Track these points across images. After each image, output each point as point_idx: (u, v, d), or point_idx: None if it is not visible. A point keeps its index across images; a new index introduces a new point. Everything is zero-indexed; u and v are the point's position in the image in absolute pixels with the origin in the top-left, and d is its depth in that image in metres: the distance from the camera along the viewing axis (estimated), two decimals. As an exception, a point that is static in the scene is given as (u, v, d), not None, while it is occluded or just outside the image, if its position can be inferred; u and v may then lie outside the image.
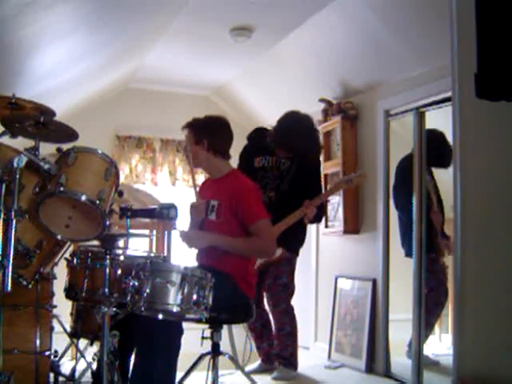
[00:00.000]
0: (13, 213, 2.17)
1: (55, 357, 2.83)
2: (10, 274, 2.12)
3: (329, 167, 4.62)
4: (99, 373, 2.39)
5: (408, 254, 3.94)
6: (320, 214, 3.87)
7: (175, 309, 2.38)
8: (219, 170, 3.05)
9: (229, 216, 2.90)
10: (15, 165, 2.20)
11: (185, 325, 2.64)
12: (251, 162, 3.82)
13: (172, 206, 2.76)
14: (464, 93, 2.66)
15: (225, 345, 3.01)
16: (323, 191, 3.99)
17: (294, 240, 3.78)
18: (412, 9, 3.42)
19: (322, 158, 4.63)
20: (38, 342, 2.63)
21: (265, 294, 3.87)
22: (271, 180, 3.79)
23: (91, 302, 2.60)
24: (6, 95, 2.63)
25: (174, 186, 5.88)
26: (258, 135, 3.94)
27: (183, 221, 3.11)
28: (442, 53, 3.13)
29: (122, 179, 4.11)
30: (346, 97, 4.56)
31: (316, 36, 4.27)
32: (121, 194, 2.64)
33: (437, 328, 4.37)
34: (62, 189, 2.33)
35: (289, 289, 3.80)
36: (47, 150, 2.57)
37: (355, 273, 4.40)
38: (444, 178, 4.04)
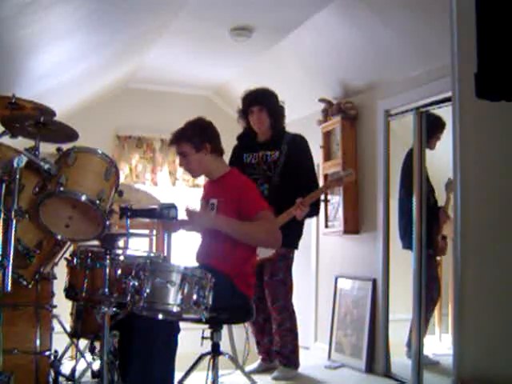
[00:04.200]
0: (13, 213, 2.17)
1: (55, 357, 2.83)
2: (9, 273, 2.12)
3: (329, 167, 4.62)
4: (99, 373, 2.39)
5: (407, 247, 3.94)
6: (316, 208, 3.85)
7: (175, 309, 2.38)
8: (219, 170, 3.04)
9: (229, 213, 2.89)
10: (15, 165, 2.20)
11: (185, 325, 2.64)
12: (240, 160, 3.84)
13: (172, 206, 2.76)
14: (464, 93, 2.66)
15: (225, 345, 3.01)
16: (318, 181, 3.98)
17: (289, 235, 3.75)
18: (412, 9, 3.42)
19: (321, 158, 4.67)
20: (38, 341, 2.63)
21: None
22: (260, 174, 3.78)
23: (91, 302, 2.60)
24: (5, 95, 2.63)
25: (174, 185, 5.89)
26: (245, 134, 3.95)
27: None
28: (442, 53, 3.13)
29: (122, 179, 4.10)
30: (346, 97, 4.56)
31: (316, 36, 4.27)
32: (121, 193, 2.64)
33: (437, 328, 4.38)
34: (61, 189, 2.33)
35: (286, 285, 3.79)
36: (47, 149, 2.57)
37: (355, 273, 4.40)
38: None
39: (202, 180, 5.68)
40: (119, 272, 2.50)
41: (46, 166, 2.32)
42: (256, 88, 3.86)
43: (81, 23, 3.34)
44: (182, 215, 2.83)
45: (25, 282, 2.46)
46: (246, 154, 3.87)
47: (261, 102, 3.79)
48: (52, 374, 2.79)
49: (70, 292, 2.69)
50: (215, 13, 4.02)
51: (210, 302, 2.46)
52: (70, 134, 2.55)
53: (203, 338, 2.78)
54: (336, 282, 4.58)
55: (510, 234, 2.48)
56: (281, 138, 3.82)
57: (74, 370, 3.24)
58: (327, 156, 4.68)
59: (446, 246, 4.11)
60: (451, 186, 4.05)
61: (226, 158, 3.31)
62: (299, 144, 3.85)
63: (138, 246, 3.57)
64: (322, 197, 4.02)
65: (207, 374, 2.79)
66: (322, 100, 4.65)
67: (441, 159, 4.09)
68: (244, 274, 2.92)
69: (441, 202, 4.20)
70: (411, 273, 3.77)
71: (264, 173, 3.78)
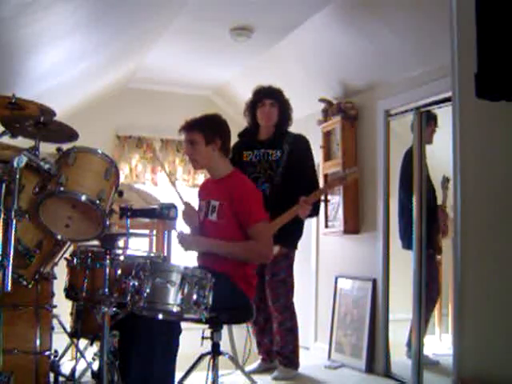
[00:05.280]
0: (13, 213, 2.17)
1: (55, 357, 2.82)
2: (9, 274, 2.11)
3: (329, 167, 4.62)
4: (99, 373, 2.39)
5: (407, 247, 3.94)
6: (316, 208, 3.85)
7: (175, 309, 2.38)
8: (223, 170, 3.03)
9: (230, 217, 2.90)
10: (15, 165, 2.20)
11: (185, 325, 2.64)
12: (240, 158, 3.82)
13: (172, 206, 2.76)
14: (464, 93, 2.66)
15: (225, 345, 3.01)
16: (319, 182, 3.99)
17: (290, 235, 3.76)
18: (412, 9, 3.42)
19: (321, 158, 4.67)
20: (38, 341, 2.63)
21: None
22: (261, 173, 3.77)
23: (91, 302, 2.60)
24: (6, 95, 2.62)
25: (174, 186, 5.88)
26: (247, 132, 3.96)
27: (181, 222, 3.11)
28: (442, 53, 3.13)
29: (122, 179, 4.10)
30: (346, 97, 4.56)
31: (316, 36, 4.27)
32: (121, 193, 2.63)
33: (437, 328, 4.38)
34: (62, 189, 2.33)
35: (287, 284, 3.80)
36: (47, 149, 2.57)
37: (355, 273, 4.40)
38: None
39: (201, 180, 5.69)
40: (119, 272, 2.51)
41: (46, 166, 2.32)
42: (270, 85, 3.87)
43: (81, 23, 3.34)
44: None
45: (25, 282, 2.46)
46: (246, 152, 3.85)
47: (275, 97, 3.81)
48: (52, 374, 2.79)
49: (70, 292, 2.69)
50: (215, 13, 4.02)
51: (210, 302, 2.46)
52: (69, 134, 2.55)
53: (203, 337, 2.78)
54: (336, 282, 4.58)
55: (510, 233, 2.48)
56: (283, 137, 3.82)
57: (74, 370, 3.24)
58: (327, 156, 4.68)
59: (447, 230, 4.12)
60: (447, 184, 4.07)
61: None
62: (301, 144, 3.86)
63: (138, 246, 3.56)
64: (322, 197, 4.02)
65: (207, 374, 2.79)
66: (322, 100, 4.65)
67: (438, 158, 4.09)
68: (245, 274, 2.92)
69: (440, 201, 4.20)
70: (411, 273, 3.77)
71: (265, 172, 3.78)
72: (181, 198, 3.10)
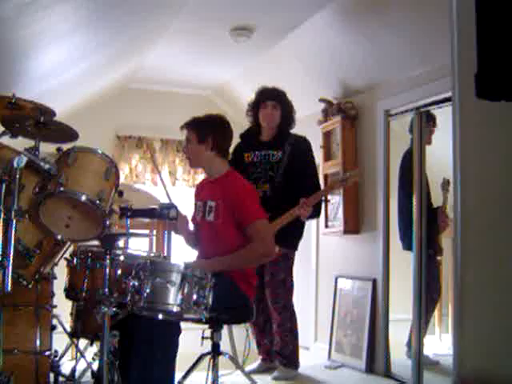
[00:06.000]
0: (13, 213, 2.17)
1: (55, 357, 2.83)
2: (10, 273, 2.12)
3: (329, 167, 4.62)
4: (99, 373, 2.39)
5: (407, 248, 3.94)
6: (318, 210, 3.85)
7: (175, 309, 2.38)
8: (218, 169, 3.03)
9: (226, 217, 2.90)
10: (15, 165, 2.20)
11: (185, 325, 2.64)
12: (241, 159, 3.82)
13: (172, 206, 2.76)
14: (464, 93, 2.66)
15: (225, 345, 3.01)
16: (320, 184, 3.98)
17: (290, 236, 3.76)
18: (412, 9, 3.42)
19: (321, 158, 4.66)
20: (38, 341, 2.63)
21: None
22: (262, 173, 3.77)
23: (91, 302, 2.60)
24: (6, 95, 2.63)
25: (174, 185, 5.88)
26: (248, 133, 3.96)
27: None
28: (442, 53, 3.13)
29: (122, 179, 4.10)
30: (346, 97, 4.56)
31: (316, 36, 4.27)
32: (121, 194, 2.64)
33: (437, 328, 4.38)
34: (62, 189, 2.33)
35: (287, 285, 3.79)
36: (47, 149, 2.57)
37: (355, 273, 4.40)
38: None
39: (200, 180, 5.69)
40: (119, 272, 2.51)
41: (46, 166, 2.32)
42: (273, 86, 3.87)
43: (81, 23, 3.34)
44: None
45: (25, 282, 2.46)
46: (247, 153, 3.85)
47: (278, 99, 3.81)
48: (52, 374, 2.79)
49: (70, 292, 2.69)
50: (215, 13, 4.02)
51: (210, 302, 2.46)
52: (70, 134, 2.55)
53: (203, 338, 2.78)
54: (336, 282, 4.58)
55: (510, 234, 2.48)
56: (284, 138, 3.82)
57: (74, 370, 3.24)
58: (327, 156, 4.68)
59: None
60: (447, 187, 4.07)
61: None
62: (302, 145, 3.86)
63: (138, 246, 3.57)
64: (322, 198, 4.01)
65: (207, 374, 2.79)
66: (322, 100, 4.65)
67: (437, 159, 4.09)
68: (245, 274, 2.92)
69: (438, 202, 4.19)
70: (411, 273, 3.77)
71: (266, 172, 3.78)
72: (169, 197, 3.04)
